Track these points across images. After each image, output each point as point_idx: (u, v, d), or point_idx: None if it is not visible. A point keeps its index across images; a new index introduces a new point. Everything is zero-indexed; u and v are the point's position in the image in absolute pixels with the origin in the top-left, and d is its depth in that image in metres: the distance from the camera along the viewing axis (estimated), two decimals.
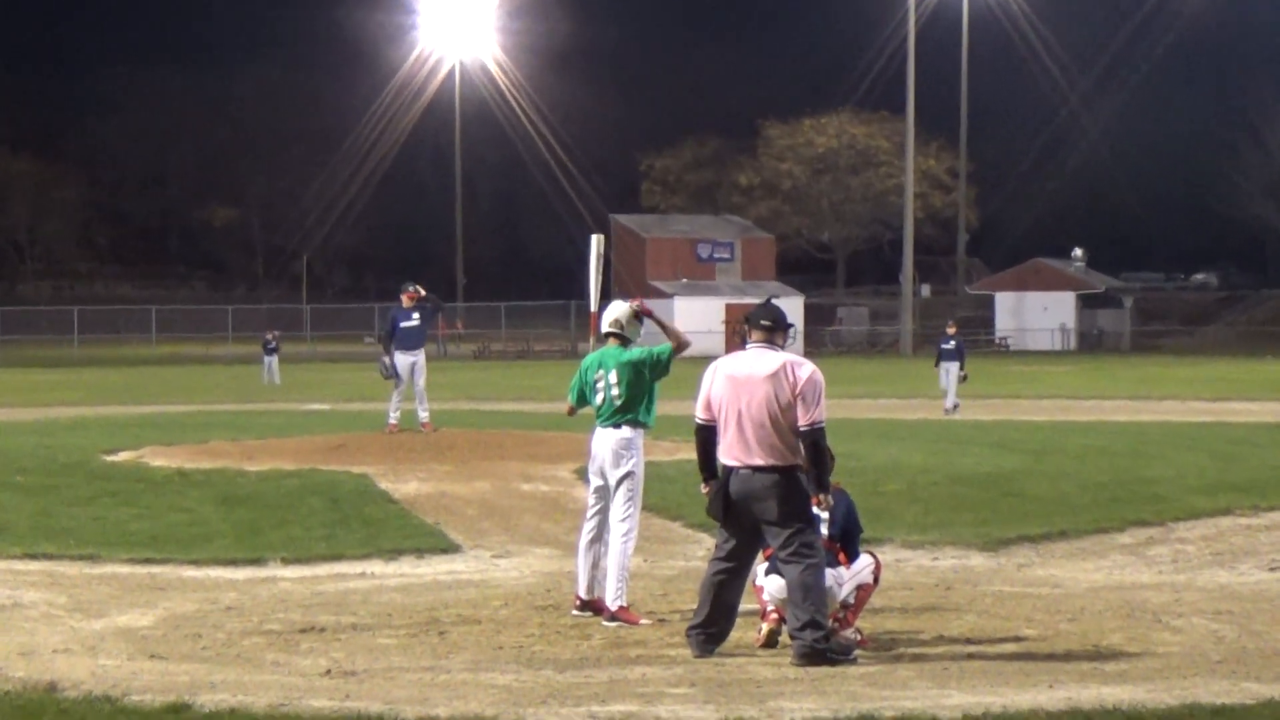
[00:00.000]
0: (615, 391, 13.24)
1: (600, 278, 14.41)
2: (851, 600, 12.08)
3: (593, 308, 14.03)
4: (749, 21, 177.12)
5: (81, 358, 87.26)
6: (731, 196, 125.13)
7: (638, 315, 13.58)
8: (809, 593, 11.31)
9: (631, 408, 13.23)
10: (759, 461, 11.50)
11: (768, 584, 11.89)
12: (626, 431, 13.25)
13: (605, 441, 13.31)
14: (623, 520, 13.17)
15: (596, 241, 14.64)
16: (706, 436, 11.85)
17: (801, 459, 11.54)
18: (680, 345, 13.34)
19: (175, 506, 20.11)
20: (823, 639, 11.23)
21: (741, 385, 11.61)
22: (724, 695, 10.21)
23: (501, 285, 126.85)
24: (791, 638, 11.38)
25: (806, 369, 11.60)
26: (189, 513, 19.60)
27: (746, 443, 11.54)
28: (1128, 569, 16.16)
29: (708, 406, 11.80)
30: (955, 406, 39.47)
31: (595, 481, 13.46)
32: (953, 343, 40.93)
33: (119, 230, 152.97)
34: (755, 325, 11.85)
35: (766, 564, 11.94)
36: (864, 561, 12.27)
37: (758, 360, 11.68)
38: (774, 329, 11.82)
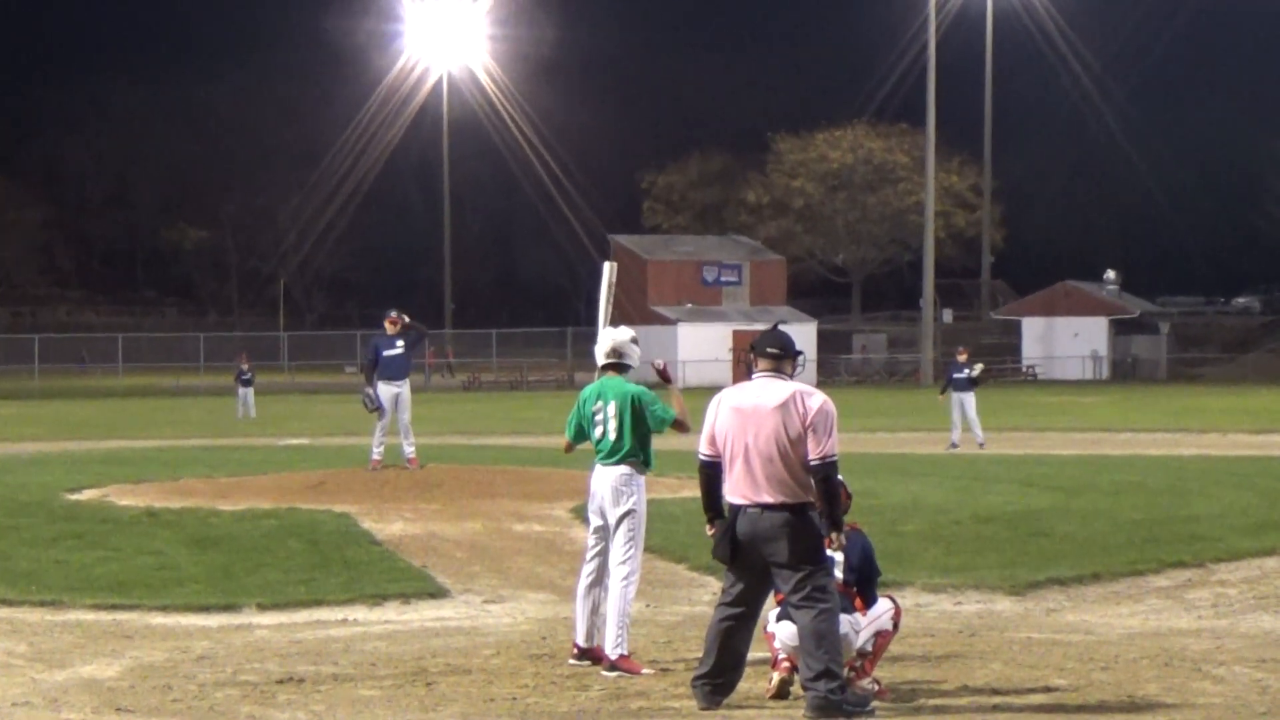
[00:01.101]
0: (614, 425, 13.26)
1: (611, 308, 14.40)
2: (869, 648, 12.09)
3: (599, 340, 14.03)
4: (758, 28, 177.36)
5: (43, 389, 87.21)
6: (739, 215, 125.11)
7: (634, 341, 13.63)
8: (823, 640, 11.31)
9: (632, 446, 13.25)
10: (768, 499, 11.50)
11: (779, 631, 11.89)
12: (627, 468, 13.27)
13: (605, 479, 13.32)
14: (623, 562, 13.18)
15: (609, 269, 14.61)
16: (711, 473, 11.85)
17: (813, 496, 11.54)
18: (682, 426, 13.33)
19: (143, 549, 20.11)
20: (838, 690, 11.23)
21: (748, 417, 11.62)
22: None
23: (493, 311, 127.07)
24: (805, 688, 11.37)
25: (817, 399, 11.60)
26: (158, 555, 19.59)
27: (754, 479, 11.54)
28: (1165, 614, 16.17)
29: (712, 441, 11.80)
30: (981, 444, 39.36)
31: (594, 521, 13.47)
32: (966, 370, 40.59)
33: (83, 253, 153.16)
34: (762, 353, 11.85)
35: (777, 609, 11.94)
36: (882, 607, 12.27)
37: (765, 390, 11.69)
38: (782, 357, 11.82)
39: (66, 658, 13.90)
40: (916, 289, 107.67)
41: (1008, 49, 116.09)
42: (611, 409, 13.28)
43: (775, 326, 12.20)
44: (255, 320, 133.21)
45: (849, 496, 12.22)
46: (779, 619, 11.90)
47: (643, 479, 13.35)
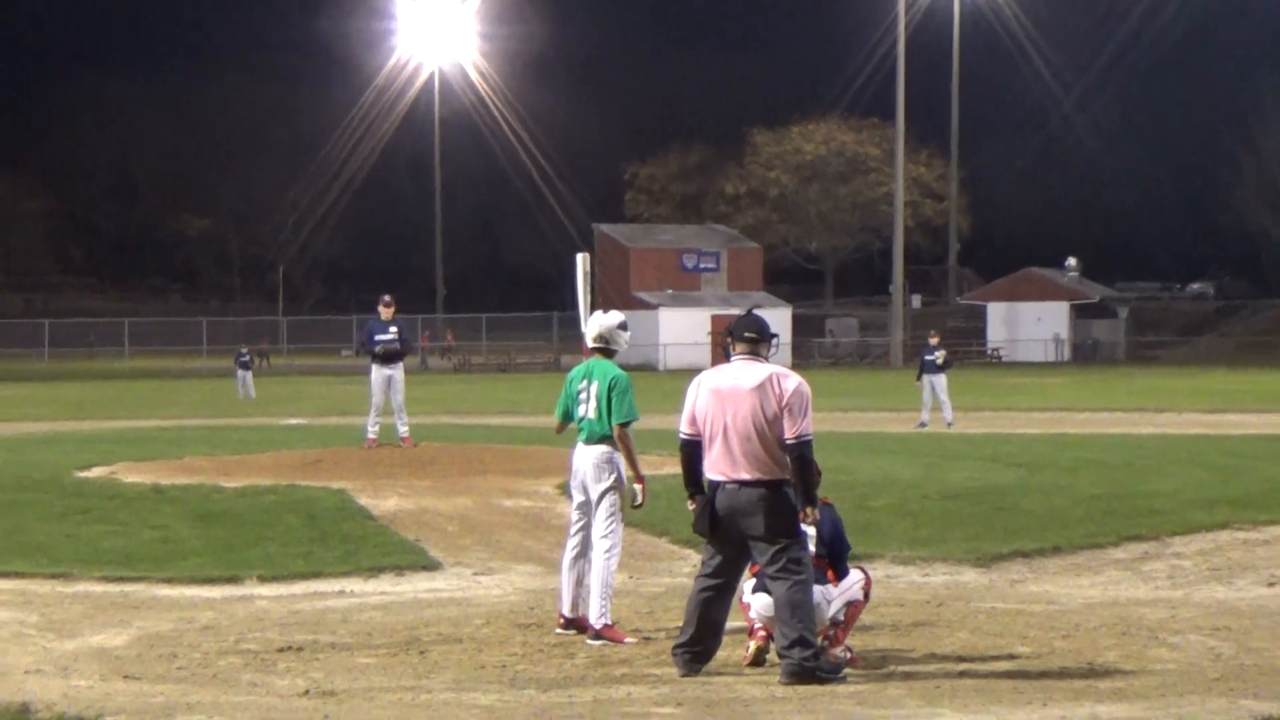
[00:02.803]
0: (594, 405, 13.25)
1: (589, 295, 14.37)
2: (841, 618, 12.10)
3: (584, 327, 14.00)
4: (735, 25, 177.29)
5: (52, 372, 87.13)
6: (717, 205, 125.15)
7: (623, 326, 13.62)
8: (797, 610, 11.32)
9: (610, 427, 13.23)
10: (745, 476, 11.50)
11: (755, 601, 11.90)
12: (607, 447, 13.26)
13: (587, 456, 13.32)
14: (605, 536, 13.17)
15: (582, 260, 14.60)
16: (691, 451, 11.85)
17: (788, 473, 11.54)
18: (625, 438, 13.27)
19: (149, 523, 20.08)
20: (812, 657, 11.24)
21: (727, 398, 11.63)
22: (711, 715, 10.23)
23: (482, 296, 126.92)
24: (780, 656, 11.39)
25: (793, 380, 11.62)
26: (163, 530, 19.57)
27: (732, 457, 11.55)
28: (1123, 585, 16.18)
29: (692, 421, 11.80)
30: (949, 424, 39.20)
31: (577, 497, 13.47)
32: (938, 354, 40.37)
33: (91, 242, 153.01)
34: (739, 337, 11.85)
35: (754, 581, 11.95)
36: (854, 578, 12.28)
37: (743, 373, 11.70)
38: (758, 340, 11.82)
39: (76, 627, 13.88)
40: (886, 275, 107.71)
41: (974, 45, 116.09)
42: (594, 389, 13.27)
43: (750, 311, 12.19)
44: (255, 305, 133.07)
45: (819, 473, 12.19)
46: (755, 590, 11.92)
47: (622, 456, 13.34)
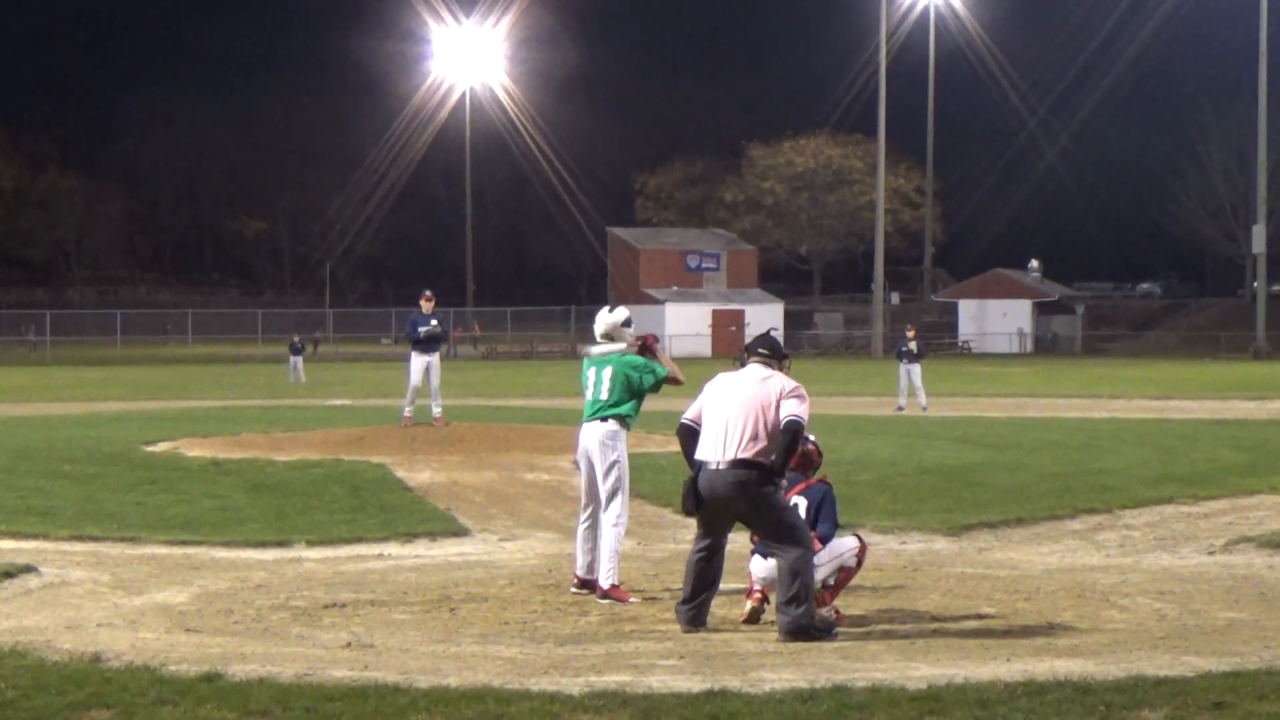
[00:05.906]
0: (606, 387, 13.22)
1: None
2: (832, 581, 12.09)
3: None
4: (735, 51, 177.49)
5: (124, 357, 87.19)
6: (718, 211, 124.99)
7: (627, 323, 13.55)
8: (797, 574, 11.34)
9: (619, 406, 13.19)
10: (732, 454, 11.49)
11: (754, 567, 11.94)
12: (612, 425, 13.20)
13: (593, 433, 13.26)
14: (613, 507, 13.10)
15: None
16: (685, 434, 11.89)
17: (770, 460, 11.46)
18: (674, 380, 13.27)
19: (209, 493, 20.09)
20: (806, 614, 11.26)
21: (734, 385, 11.72)
22: (710, 667, 10.21)
23: (508, 292, 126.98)
24: (779, 611, 11.41)
25: (793, 382, 11.70)
26: (222, 499, 19.57)
27: (726, 432, 11.54)
28: (1079, 552, 16.16)
29: (698, 410, 11.84)
30: (924, 408, 39.00)
31: (585, 471, 13.43)
32: (913, 345, 40.03)
33: (158, 241, 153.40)
34: (753, 353, 11.96)
35: (753, 548, 11.97)
36: (848, 544, 12.24)
37: (755, 371, 11.80)
38: (770, 357, 11.91)
39: (144, 586, 13.88)
40: (868, 275, 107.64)
41: (949, 71, 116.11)
42: (607, 373, 13.23)
43: (768, 332, 12.33)
44: (305, 299, 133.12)
45: (819, 454, 12.40)
46: (753, 554, 11.95)
47: (625, 433, 13.28)
